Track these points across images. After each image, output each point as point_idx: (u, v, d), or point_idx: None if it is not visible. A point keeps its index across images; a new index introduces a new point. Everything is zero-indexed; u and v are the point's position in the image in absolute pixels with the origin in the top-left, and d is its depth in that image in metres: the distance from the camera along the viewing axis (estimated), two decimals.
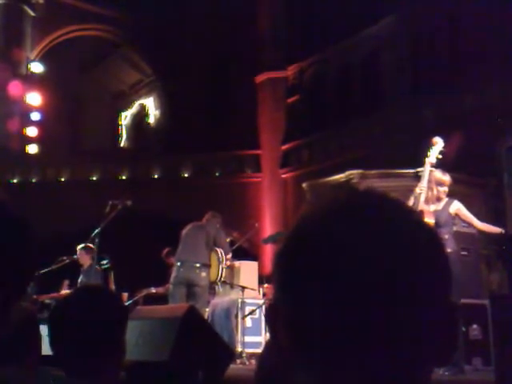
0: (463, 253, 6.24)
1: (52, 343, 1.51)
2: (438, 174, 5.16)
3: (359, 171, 8.61)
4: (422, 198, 5.07)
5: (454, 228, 5.87)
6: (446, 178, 5.17)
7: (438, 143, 5.27)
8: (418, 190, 5.09)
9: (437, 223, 5.01)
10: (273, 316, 0.59)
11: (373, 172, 8.55)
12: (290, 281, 0.55)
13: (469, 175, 8.84)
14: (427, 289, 0.53)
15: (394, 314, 0.52)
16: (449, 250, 4.87)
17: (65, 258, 7.44)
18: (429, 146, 5.30)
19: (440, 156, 5.25)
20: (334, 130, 14.11)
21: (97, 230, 6.96)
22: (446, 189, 5.15)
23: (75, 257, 7.31)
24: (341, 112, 14.19)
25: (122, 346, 1.54)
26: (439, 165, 5.27)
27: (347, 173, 8.68)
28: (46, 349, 1.56)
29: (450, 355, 0.56)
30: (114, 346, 1.52)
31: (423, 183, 5.12)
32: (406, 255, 0.53)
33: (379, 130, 12.79)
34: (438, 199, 5.19)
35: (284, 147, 15.25)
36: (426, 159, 5.20)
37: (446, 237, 5.03)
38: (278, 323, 0.57)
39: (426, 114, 11.65)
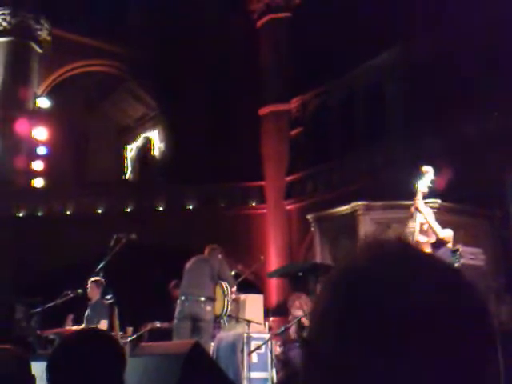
0: None
1: None
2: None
3: (364, 203, 8.61)
4: (418, 228, 5.13)
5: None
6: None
7: (429, 172, 5.28)
8: (411, 229, 5.17)
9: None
10: (313, 363, 0.58)
11: (377, 204, 8.54)
12: (356, 335, 0.54)
13: (474, 206, 8.81)
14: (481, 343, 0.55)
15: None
16: None
17: (69, 292, 7.37)
18: (419, 175, 5.30)
19: (431, 185, 5.26)
20: (337, 162, 14.17)
21: (101, 264, 6.94)
22: (422, 220, 5.23)
23: (80, 291, 7.25)
24: (344, 143, 14.27)
25: None
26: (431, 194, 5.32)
27: (352, 204, 8.68)
28: None
29: None
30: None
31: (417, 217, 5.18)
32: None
33: (382, 161, 12.83)
34: (424, 231, 5.26)
35: (288, 178, 15.29)
36: (417, 188, 5.22)
37: None
38: (317, 370, 0.56)
39: (430, 145, 11.69)
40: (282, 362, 6.29)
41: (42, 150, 16.99)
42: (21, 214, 15.47)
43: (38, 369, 2.24)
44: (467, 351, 0.54)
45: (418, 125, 12.15)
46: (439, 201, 7.59)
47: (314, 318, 0.60)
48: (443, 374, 0.53)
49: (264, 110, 15.99)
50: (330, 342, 0.56)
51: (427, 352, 0.53)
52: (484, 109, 10.90)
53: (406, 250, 0.61)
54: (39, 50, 17.49)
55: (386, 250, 0.60)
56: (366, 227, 8.10)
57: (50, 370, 1.52)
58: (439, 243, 5.53)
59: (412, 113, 12.57)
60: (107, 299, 7.06)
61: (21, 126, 16.05)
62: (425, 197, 5.40)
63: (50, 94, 18.16)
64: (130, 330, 7.83)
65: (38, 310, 7.51)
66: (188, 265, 6.77)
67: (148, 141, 22.25)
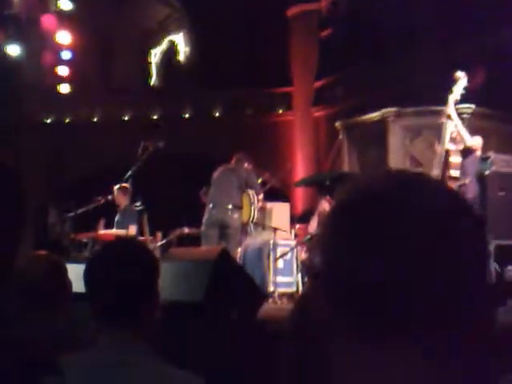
0: (501, 193, 6.11)
1: (90, 296, 1.58)
2: None
3: (394, 109, 8.41)
4: (448, 136, 5.16)
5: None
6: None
7: (462, 78, 5.19)
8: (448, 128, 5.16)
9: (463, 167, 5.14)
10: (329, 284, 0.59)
11: (408, 110, 8.33)
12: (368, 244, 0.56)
13: (508, 111, 8.49)
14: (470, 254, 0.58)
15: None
16: (469, 196, 5.02)
17: (100, 198, 7.55)
18: (452, 81, 5.23)
19: (464, 91, 5.19)
20: (369, 66, 13.64)
21: (129, 172, 7.04)
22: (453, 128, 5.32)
23: (110, 197, 7.41)
24: (377, 46, 13.66)
25: (157, 293, 1.63)
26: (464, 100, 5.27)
27: (382, 111, 8.49)
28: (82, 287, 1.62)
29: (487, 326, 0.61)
30: (149, 293, 1.60)
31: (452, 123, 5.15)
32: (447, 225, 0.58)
33: (417, 66, 12.32)
34: (453, 139, 5.27)
35: (317, 84, 14.87)
36: (450, 96, 5.17)
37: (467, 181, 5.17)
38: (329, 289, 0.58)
39: (464, 48, 11.15)
40: (308, 268, 6.46)
41: (66, 55, 16.74)
42: (48, 121, 15.61)
43: (73, 271, 2.33)
44: (463, 263, 0.57)
45: (453, 28, 11.54)
46: (473, 106, 7.38)
47: (323, 243, 0.61)
48: (443, 283, 0.55)
49: (292, 10, 15.29)
50: (341, 265, 0.57)
51: (426, 264, 0.55)
52: None
53: (412, 175, 0.62)
54: None
55: (392, 175, 0.62)
56: (396, 135, 7.96)
57: (87, 278, 1.59)
58: (468, 151, 5.53)
59: (447, 14, 11.88)
60: (136, 206, 7.23)
61: (47, 21, 15.64)
62: (457, 103, 5.32)
63: None
64: (159, 235, 8.06)
65: (71, 214, 7.71)
66: (216, 174, 6.82)
67: (172, 44, 21.76)
